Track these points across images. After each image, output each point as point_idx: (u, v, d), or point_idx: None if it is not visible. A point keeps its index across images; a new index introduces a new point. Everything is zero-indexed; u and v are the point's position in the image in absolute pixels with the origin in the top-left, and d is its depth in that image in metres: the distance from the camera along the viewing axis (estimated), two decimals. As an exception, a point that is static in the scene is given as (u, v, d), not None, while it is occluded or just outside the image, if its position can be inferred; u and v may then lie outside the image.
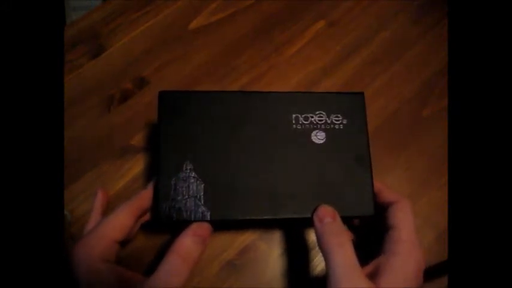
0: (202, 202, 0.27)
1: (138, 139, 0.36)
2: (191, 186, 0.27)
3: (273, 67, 0.40)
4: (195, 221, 0.26)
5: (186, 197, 0.27)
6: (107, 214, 0.27)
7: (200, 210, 0.27)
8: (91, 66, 0.39)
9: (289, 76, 0.40)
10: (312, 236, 0.34)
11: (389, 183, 0.36)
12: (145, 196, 0.28)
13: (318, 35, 0.42)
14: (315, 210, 0.27)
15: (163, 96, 0.29)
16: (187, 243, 0.25)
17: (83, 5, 0.84)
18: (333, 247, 0.24)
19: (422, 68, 0.41)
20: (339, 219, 0.26)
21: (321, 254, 0.33)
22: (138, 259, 0.32)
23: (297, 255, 0.34)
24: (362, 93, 0.30)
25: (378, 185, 0.29)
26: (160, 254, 0.32)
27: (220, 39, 0.41)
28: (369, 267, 0.26)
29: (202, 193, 0.27)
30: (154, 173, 0.28)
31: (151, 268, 0.32)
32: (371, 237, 0.29)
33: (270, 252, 0.33)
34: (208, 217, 0.27)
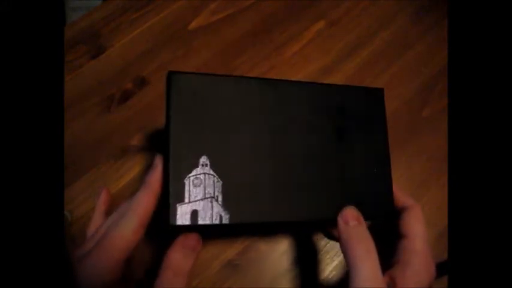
0: (220, 203, 0.24)
1: (138, 139, 0.36)
2: (207, 185, 0.24)
3: (273, 67, 0.40)
4: (213, 225, 0.23)
5: (202, 197, 0.24)
6: (110, 214, 0.27)
7: (218, 212, 0.24)
8: (91, 66, 0.39)
9: (289, 76, 0.40)
10: (312, 236, 0.34)
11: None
12: (147, 201, 0.24)
13: (318, 35, 0.42)
14: (339, 211, 0.26)
15: (174, 78, 0.24)
16: (177, 257, 0.24)
17: (83, 5, 0.84)
18: (360, 254, 0.23)
19: (422, 68, 0.41)
20: (364, 224, 0.25)
21: (321, 253, 0.33)
22: (142, 264, 0.32)
23: (296, 255, 0.34)
24: (382, 90, 0.29)
25: None
26: (161, 258, 0.32)
27: (220, 39, 0.41)
28: (385, 277, 0.25)
29: (220, 193, 0.24)
30: (164, 170, 0.24)
31: (152, 272, 0.32)
32: (383, 242, 0.28)
33: (270, 252, 0.33)
34: (227, 220, 0.24)
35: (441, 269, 0.31)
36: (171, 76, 0.24)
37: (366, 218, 0.26)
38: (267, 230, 0.34)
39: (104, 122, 0.37)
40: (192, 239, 0.25)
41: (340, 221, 0.25)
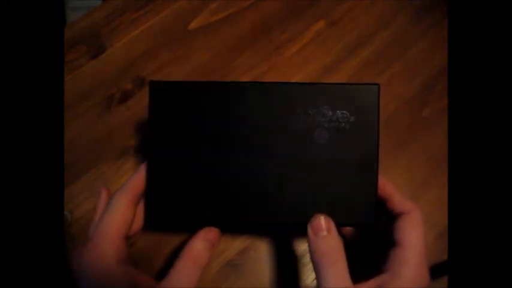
0: (197, 202, 0.26)
1: (138, 139, 0.36)
2: (186, 185, 0.26)
3: (273, 67, 0.40)
4: (190, 222, 0.26)
5: (181, 195, 0.26)
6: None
7: (195, 210, 0.26)
8: (91, 66, 0.39)
9: (289, 76, 0.40)
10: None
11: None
12: (139, 183, 0.26)
13: (318, 34, 0.42)
14: (310, 219, 0.25)
15: (155, 86, 0.26)
16: (199, 247, 0.25)
17: (83, 5, 0.84)
18: (325, 265, 0.23)
19: (422, 68, 0.41)
20: (334, 232, 0.24)
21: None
22: (147, 259, 0.32)
23: (297, 255, 0.34)
24: (377, 85, 0.26)
25: (389, 188, 0.27)
26: (169, 254, 0.32)
27: (220, 39, 0.41)
28: (370, 284, 0.24)
29: (197, 192, 0.26)
30: (147, 170, 0.26)
31: (160, 268, 0.32)
32: (374, 246, 0.28)
33: (270, 253, 0.33)
34: (204, 218, 0.26)
35: (441, 269, 0.31)
36: (151, 85, 0.26)
37: (343, 225, 0.26)
38: (266, 230, 0.34)
39: (104, 122, 0.37)
40: (214, 233, 0.26)
41: (310, 230, 0.25)
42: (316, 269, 0.24)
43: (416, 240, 0.24)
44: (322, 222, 0.24)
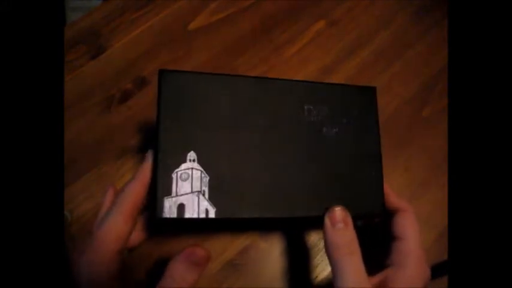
0: (207, 198, 0.25)
1: (138, 139, 0.36)
2: (195, 180, 0.25)
3: (273, 67, 0.40)
4: (199, 219, 0.24)
5: (189, 191, 0.24)
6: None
7: (204, 207, 0.24)
8: (91, 66, 0.39)
9: (289, 76, 0.40)
10: (311, 236, 0.34)
11: (389, 184, 0.36)
12: (136, 191, 0.25)
13: (318, 35, 0.42)
14: (326, 211, 0.25)
15: (165, 75, 0.25)
16: (180, 268, 0.23)
17: (83, 5, 0.84)
18: (342, 257, 0.23)
19: (422, 68, 0.41)
20: (351, 225, 0.25)
21: (321, 253, 0.33)
22: (142, 264, 0.32)
23: (297, 254, 0.34)
24: (374, 88, 0.29)
25: (385, 186, 0.28)
26: (165, 260, 0.32)
27: (220, 39, 0.41)
28: (377, 278, 0.25)
29: (206, 188, 0.25)
30: (153, 165, 0.25)
31: (154, 274, 0.32)
32: (377, 242, 0.28)
33: (270, 252, 0.33)
34: (213, 214, 0.24)
35: (441, 269, 0.31)
36: (161, 74, 0.25)
37: (355, 218, 0.26)
38: (267, 229, 0.34)
39: (104, 122, 0.37)
40: (199, 253, 0.24)
41: (327, 222, 0.25)
42: (332, 261, 0.24)
43: (415, 234, 0.26)
44: (339, 214, 0.25)
